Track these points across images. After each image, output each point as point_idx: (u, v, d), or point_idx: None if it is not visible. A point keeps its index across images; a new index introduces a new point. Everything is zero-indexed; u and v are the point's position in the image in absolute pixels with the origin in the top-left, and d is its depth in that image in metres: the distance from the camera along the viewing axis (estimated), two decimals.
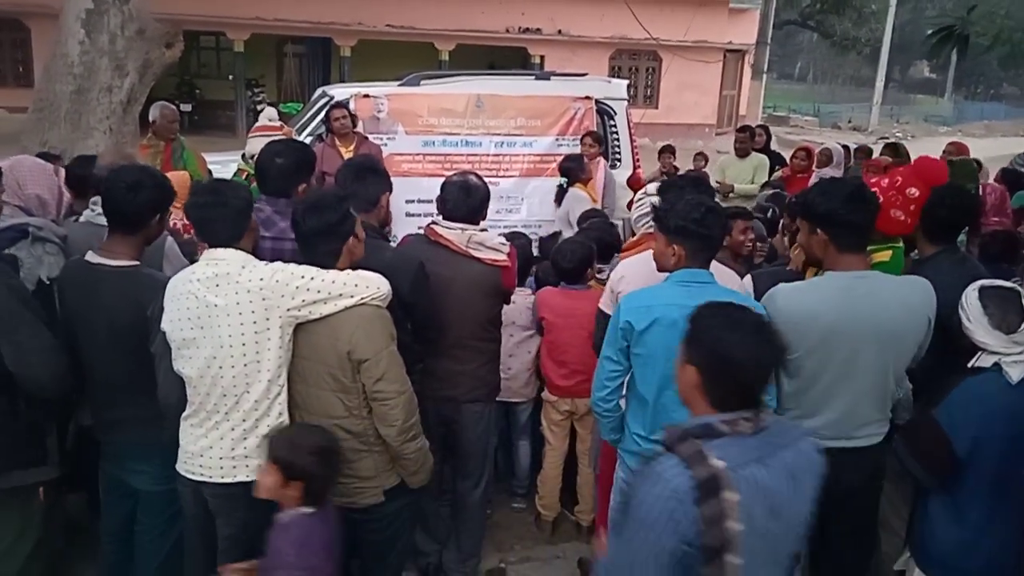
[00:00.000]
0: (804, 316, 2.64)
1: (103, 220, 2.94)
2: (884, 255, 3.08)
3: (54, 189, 3.58)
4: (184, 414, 2.64)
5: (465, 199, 3.25)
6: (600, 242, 4.24)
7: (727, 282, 2.99)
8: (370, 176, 3.23)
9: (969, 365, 2.59)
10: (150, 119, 6.05)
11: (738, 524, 1.61)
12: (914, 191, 3.06)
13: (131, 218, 2.77)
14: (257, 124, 6.25)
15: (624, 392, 2.85)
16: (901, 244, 3.18)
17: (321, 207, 2.63)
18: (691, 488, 1.61)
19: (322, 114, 7.12)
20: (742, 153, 7.84)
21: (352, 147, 6.47)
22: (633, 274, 3.01)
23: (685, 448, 1.68)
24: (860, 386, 2.68)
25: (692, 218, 2.63)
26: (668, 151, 8.65)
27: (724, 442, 1.70)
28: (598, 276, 4.08)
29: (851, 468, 2.75)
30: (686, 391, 1.86)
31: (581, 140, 7.21)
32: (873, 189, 3.13)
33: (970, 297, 2.59)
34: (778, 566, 1.82)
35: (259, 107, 20.77)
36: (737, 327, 1.78)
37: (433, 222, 3.35)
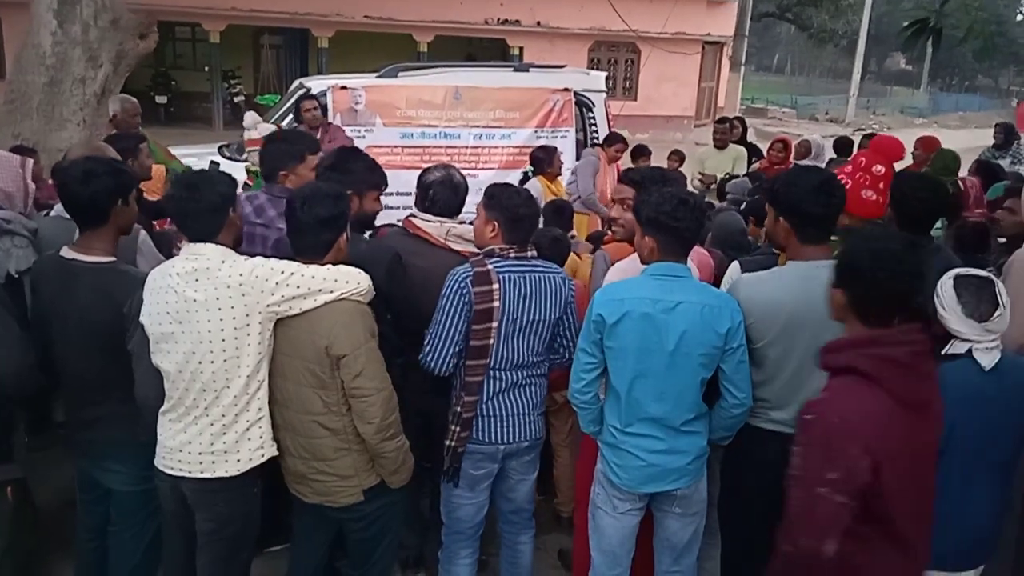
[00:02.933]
0: (765, 305, 2.68)
1: None
2: None
3: (19, 182, 3.53)
4: (162, 409, 2.62)
5: (441, 193, 3.26)
6: None
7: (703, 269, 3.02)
8: (332, 174, 3.24)
9: (943, 352, 2.62)
10: (111, 113, 5.96)
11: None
12: (879, 168, 3.12)
13: (88, 209, 2.72)
14: (249, 137, 6.24)
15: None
16: None
17: (321, 199, 2.64)
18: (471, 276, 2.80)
19: (288, 104, 7.10)
20: (721, 145, 7.88)
21: (318, 136, 6.47)
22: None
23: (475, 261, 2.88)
24: (823, 374, 2.70)
25: (663, 210, 2.63)
26: (643, 154, 7.81)
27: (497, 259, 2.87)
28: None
29: None
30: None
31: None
32: (841, 177, 3.17)
33: (945, 286, 2.62)
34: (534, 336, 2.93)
35: (236, 99, 20.66)
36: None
37: (411, 214, 3.34)
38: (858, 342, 2.08)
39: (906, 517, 2.07)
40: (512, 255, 2.89)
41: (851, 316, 2.18)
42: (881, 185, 3.12)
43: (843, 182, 3.14)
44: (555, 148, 6.85)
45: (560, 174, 6.76)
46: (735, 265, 3.14)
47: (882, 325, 2.10)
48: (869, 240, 2.18)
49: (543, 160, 6.65)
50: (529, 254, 2.95)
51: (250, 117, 7.51)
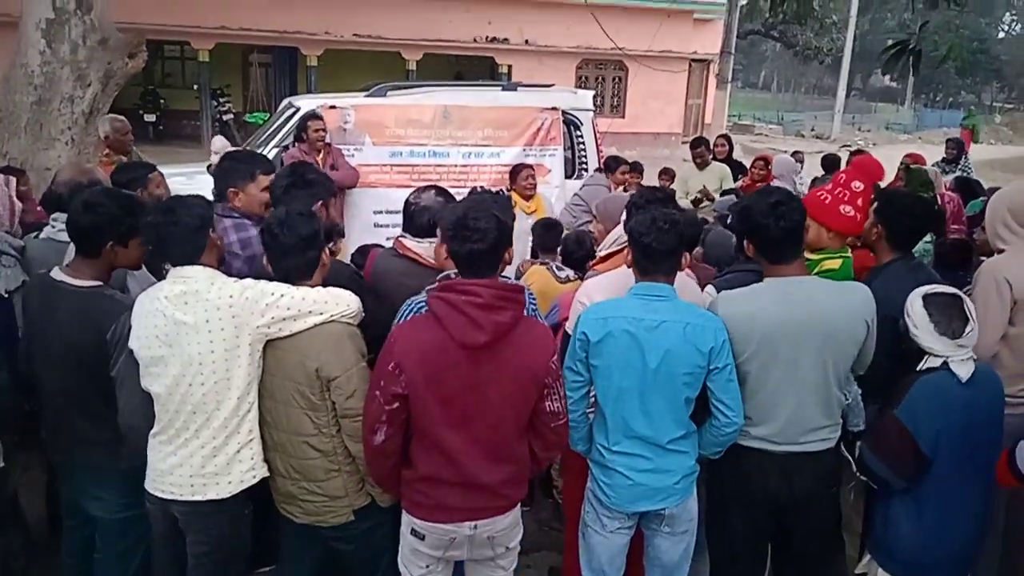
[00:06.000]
0: (743, 322, 2.72)
1: (64, 236, 2.91)
2: (834, 263, 3.18)
3: (5, 200, 3.53)
4: (153, 431, 2.61)
5: (416, 215, 3.23)
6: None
7: (689, 295, 3.04)
8: (295, 191, 3.24)
9: (919, 368, 2.68)
10: (101, 134, 5.95)
11: None
12: (858, 184, 3.19)
13: (80, 239, 2.73)
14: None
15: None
16: (850, 255, 3.27)
17: (298, 219, 2.65)
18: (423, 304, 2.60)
19: (291, 123, 7.10)
20: (701, 165, 7.94)
21: (320, 156, 6.47)
22: (600, 296, 3.00)
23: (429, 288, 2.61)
24: (804, 390, 2.74)
25: (640, 231, 2.67)
26: (634, 170, 7.75)
27: None
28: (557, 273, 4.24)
29: (804, 473, 2.82)
30: None
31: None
32: (821, 194, 3.24)
33: (915, 305, 2.69)
34: None
35: (225, 117, 20.66)
36: None
37: (400, 235, 3.34)
38: (438, 288, 2.45)
39: (445, 430, 2.43)
40: None
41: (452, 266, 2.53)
42: (859, 202, 3.19)
43: (823, 198, 3.21)
44: (525, 167, 6.80)
45: (532, 195, 6.66)
46: (710, 287, 3.18)
47: (468, 277, 2.43)
48: (455, 206, 2.62)
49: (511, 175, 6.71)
50: None
51: (218, 141, 7.54)
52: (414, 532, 2.56)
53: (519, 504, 2.67)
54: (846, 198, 3.16)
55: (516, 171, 6.72)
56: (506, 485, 2.54)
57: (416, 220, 3.24)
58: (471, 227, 2.37)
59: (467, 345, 2.34)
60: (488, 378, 2.39)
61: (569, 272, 4.28)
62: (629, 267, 2.78)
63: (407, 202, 3.33)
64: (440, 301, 2.38)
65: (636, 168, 7.97)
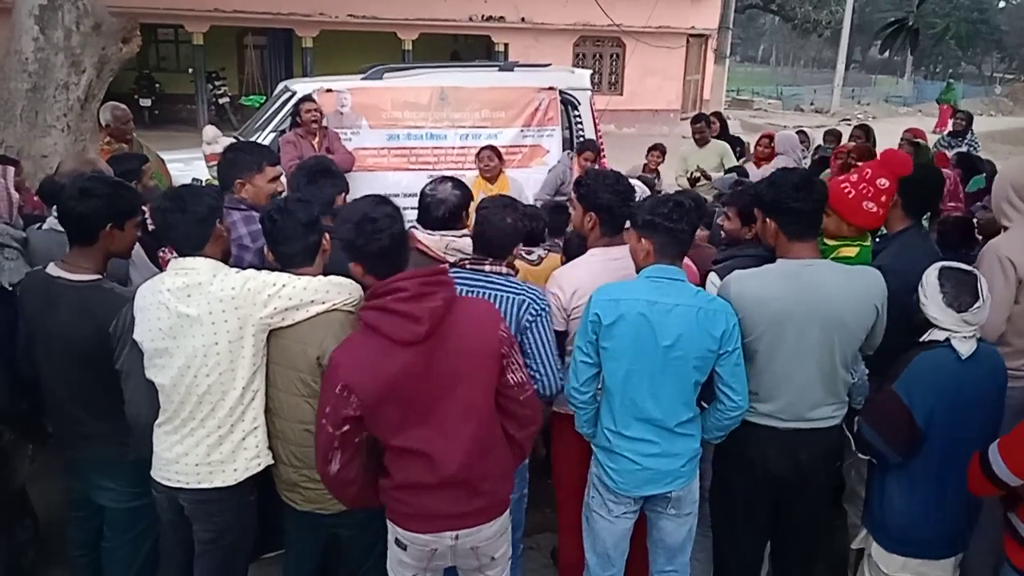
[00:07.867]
0: (754, 301, 2.74)
1: None
2: (851, 250, 3.16)
3: (3, 193, 3.51)
4: (158, 421, 2.62)
5: (428, 208, 3.21)
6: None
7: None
8: (323, 179, 3.21)
9: (921, 339, 2.70)
10: (102, 122, 5.93)
11: None
12: (884, 181, 3.15)
13: (76, 227, 2.72)
14: (211, 152, 6.18)
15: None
16: (869, 243, 3.25)
17: (296, 205, 2.66)
18: None
19: (287, 107, 7.06)
20: (701, 142, 7.91)
21: (316, 140, 6.45)
22: (583, 284, 2.98)
23: None
24: (810, 369, 2.77)
25: (659, 212, 2.68)
26: (655, 149, 8.07)
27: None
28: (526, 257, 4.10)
29: (807, 449, 2.85)
30: None
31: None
32: (844, 185, 3.20)
33: (930, 275, 2.72)
34: None
35: (221, 100, 20.55)
36: None
37: (412, 226, 3.32)
38: (366, 297, 2.40)
39: (413, 432, 2.36)
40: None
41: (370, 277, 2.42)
42: (883, 198, 3.14)
43: (846, 191, 3.16)
44: (484, 149, 6.72)
45: (491, 176, 6.57)
46: (712, 274, 3.19)
47: (383, 276, 2.35)
48: (346, 211, 2.48)
49: None
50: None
51: (210, 131, 7.51)
52: (398, 542, 2.52)
53: (507, 511, 2.60)
54: (870, 194, 3.13)
55: (477, 154, 6.71)
56: (486, 480, 2.46)
57: (432, 212, 3.20)
58: (376, 217, 2.35)
59: (410, 342, 2.27)
60: (443, 368, 2.33)
61: (539, 251, 4.19)
62: (640, 250, 2.76)
63: (423, 193, 3.27)
64: (369, 311, 2.32)
65: (658, 148, 8.07)
